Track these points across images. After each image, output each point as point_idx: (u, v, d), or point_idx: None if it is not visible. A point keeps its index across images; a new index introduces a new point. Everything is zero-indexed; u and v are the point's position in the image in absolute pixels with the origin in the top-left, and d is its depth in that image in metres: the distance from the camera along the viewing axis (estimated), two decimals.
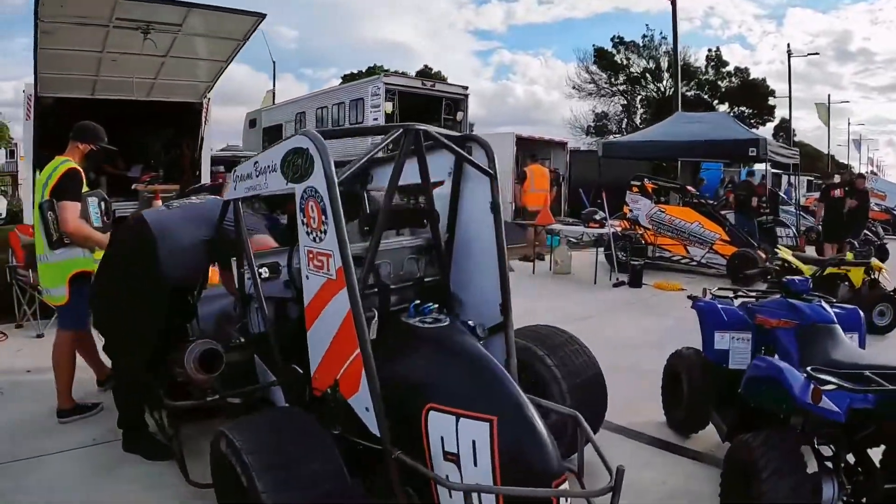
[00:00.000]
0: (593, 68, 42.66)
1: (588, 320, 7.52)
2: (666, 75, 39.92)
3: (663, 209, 11.09)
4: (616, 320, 7.69)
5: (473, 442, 2.21)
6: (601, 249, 10.60)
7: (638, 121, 41.10)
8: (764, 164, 12.51)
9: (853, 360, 2.91)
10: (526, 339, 3.41)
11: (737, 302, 4.09)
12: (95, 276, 3.96)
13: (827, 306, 3.53)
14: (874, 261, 7.54)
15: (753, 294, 4.22)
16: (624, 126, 42.03)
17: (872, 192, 25.22)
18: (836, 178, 13.25)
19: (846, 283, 7.52)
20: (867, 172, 29.69)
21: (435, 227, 3.07)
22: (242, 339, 3.49)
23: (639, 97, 42.79)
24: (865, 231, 14.24)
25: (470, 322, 2.96)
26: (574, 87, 43.64)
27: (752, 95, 41.65)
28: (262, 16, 7.16)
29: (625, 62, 41.99)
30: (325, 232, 2.48)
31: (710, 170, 21.69)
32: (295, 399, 2.95)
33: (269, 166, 2.83)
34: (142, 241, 3.42)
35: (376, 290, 2.91)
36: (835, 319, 3.38)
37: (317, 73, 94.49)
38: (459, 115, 17.13)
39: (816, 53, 51.49)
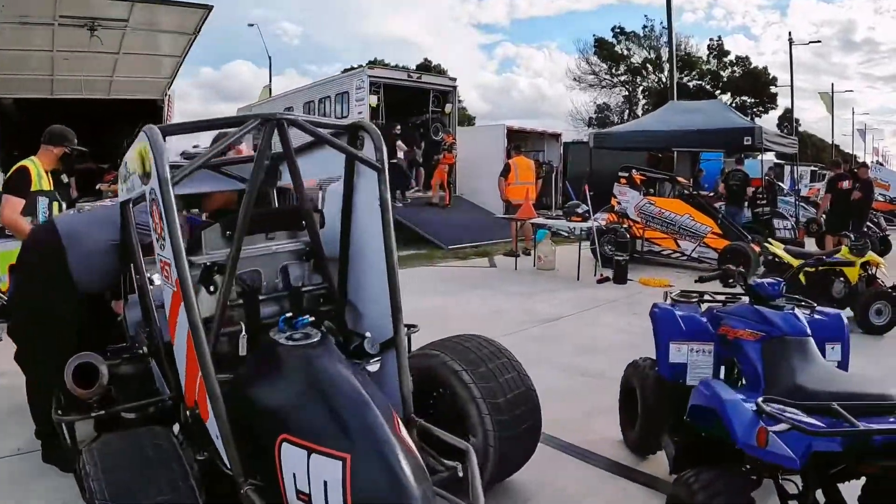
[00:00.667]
0: (594, 59, 42.05)
1: (562, 321, 7.04)
2: (667, 65, 39.19)
3: (652, 201, 10.55)
4: (594, 319, 7.19)
5: (325, 483, 1.90)
6: (589, 244, 10.09)
7: (640, 111, 40.43)
8: (760, 153, 11.95)
9: (824, 385, 2.40)
10: (445, 353, 3.01)
11: (705, 307, 3.55)
12: (10, 282, 4.03)
13: (801, 314, 3.01)
14: (871, 255, 6.98)
15: (723, 297, 3.66)
16: (626, 117, 41.37)
17: (876, 181, 24.71)
18: (842, 168, 12.61)
19: (841, 279, 6.98)
20: (872, 162, 28.87)
21: (312, 228, 2.70)
22: (145, 349, 3.13)
23: (640, 88, 42.16)
24: (868, 223, 13.71)
25: (367, 335, 2.62)
26: (575, 79, 43.08)
27: (754, 84, 40.92)
28: (209, 7, 7.12)
29: (625, 52, 41.30)
30: (166, 239, 2.22)
31: (710, 160, 21.10)
32: (178, 417, 2.67)
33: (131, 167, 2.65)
34: (50, 246, 3.31)
35: (241, 301, 2.53)
36: (807, 331, 2.85)
37: (321, 68, 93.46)
38: (448, 107, 16.69)
39: (818, 41, 50.35)
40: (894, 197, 24.03)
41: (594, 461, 3.63)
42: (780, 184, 17.10)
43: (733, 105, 41.78)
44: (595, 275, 9.39)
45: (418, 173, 16.80)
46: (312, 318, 2.43)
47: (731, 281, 3.44)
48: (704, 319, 3.29)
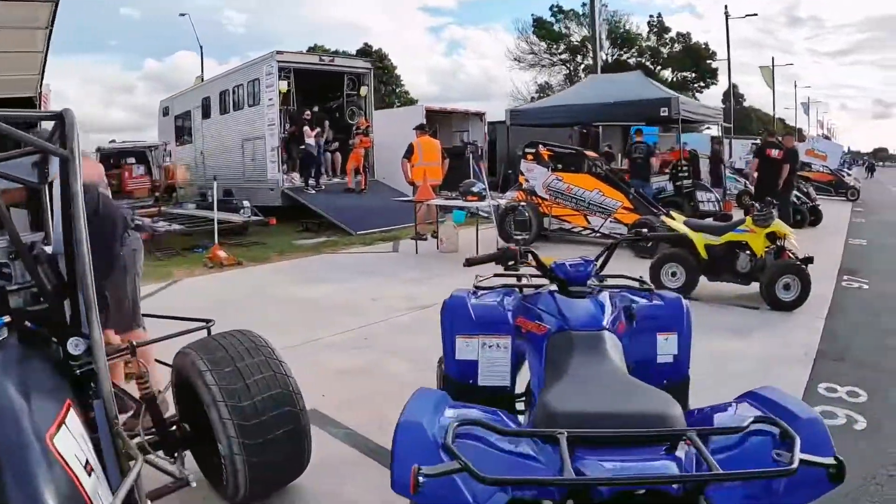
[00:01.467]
0: (533, 38, 41.27)
1: (437, 308, 6.14)
2: (607, 43, 38.75)
3: (560, 177, 9.74)
4: None
5: None
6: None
7: None
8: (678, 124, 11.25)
9: (581, 399, 1.59)
10: (196, 352, 2.71)
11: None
12: None
13: (608, 301, 2.16)
14: (778, 225, 6.23)
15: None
16: None
17: (814, 152, 24.56)
18: (774, 138, 12.02)
19: (747, 252, 6.24)
20: (817, 134, 28.55)
21: (8, 224, 2.20)
22: None
23: (581, 66, 41.55)
24: (796, 193, 13.18)
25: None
26: (515, 59, 42.32)
27: (694, 60, 40.73)
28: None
29: (564, 31, 40.66)
30: None
31: (651, 135, 20.55)
32: None
33: None
34: None
35: None
36: (601, 323, 2.00)
37: None
38: (364, 90, 15.83)
39: (755, 14, 50.38)
40: (834, 168, 23.85)
41: None
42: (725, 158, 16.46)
43: (674, 81, 41.64)
44: None
45: (334, 159, 15.78)
46: (8, 319, 2.13)
47: (511, 263, 2.54)
48: (505, 309, 2.43)
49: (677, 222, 6.58)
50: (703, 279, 6.40)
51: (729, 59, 29.48)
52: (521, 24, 55.07)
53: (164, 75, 72.89)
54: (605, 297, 2.19)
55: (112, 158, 14.95)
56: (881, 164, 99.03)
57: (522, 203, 9.32)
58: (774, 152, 10.33)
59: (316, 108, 15.56)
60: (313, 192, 14.23)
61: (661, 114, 10.56)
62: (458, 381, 2.42)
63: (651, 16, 43.11)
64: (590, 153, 10.38)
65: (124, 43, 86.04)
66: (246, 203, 12.90)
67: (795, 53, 73.06)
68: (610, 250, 2.59)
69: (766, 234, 6.14)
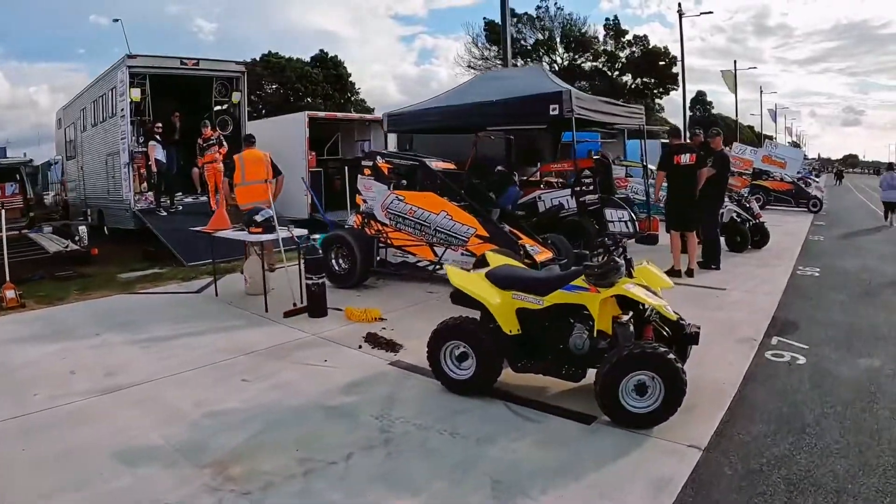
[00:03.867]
0: (484, 43, 38.99)
1: (135, 389, 4.19)
2: (561, 47, 36.65)
3: (402, 196, 7.22)
4: (187, 387, 4.25)
5: None
6: None
7: None
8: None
9: None
10: None
11: None
12: None
13: None
14: (629, 283, 3.72)
15: None
16: None
17: (771, 159, 22.13)
18: (681, 139, 9.43)
19: (589, 324, 3.75)
20: (788, 141, 25.89)
21: None
22: None
23: None
24: (735, 209, 10.75)
25: None
26: (469, 66, 40.04)
27: (654, 65, 38.68)
28: None
29: (517, 35, 38.41)
30: None
31: (584, 142, 18.06)
32: None
33: None
34: None
35: None
36: None
37: None
38: (236, 97, 13.41)
39: (710, 12, 48.88)
40: (795, 176, 21.50)
41: None
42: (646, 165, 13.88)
43: (633, 87, 39.56)
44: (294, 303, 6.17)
45: (193, 175, 13.20)
46: None
47: None
48: None
49: (476, 276, 4.03)
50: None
51: (682, 61, 27.30)
52: (473, 28, 52.74)
53: None
54: None
55: None
56: (850, 170, 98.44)
57: (378, 230, 6.86)
58: (685, 158, 7.90)
59: (177, 117, 13.07)
60: (164, 214, 11.77)
61: (552, 112, 8.13)
62: None
63: (607, 19, 41.17)
64: (442, 164, 7.79)
65: (94, 50, 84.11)
66: (82, 229, 10.91)
67: (765, 62, 72.80)
68: None
69: (613, 296, 3.65)
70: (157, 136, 11.95)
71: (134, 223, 11.80)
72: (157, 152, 11.89)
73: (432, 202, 6.95)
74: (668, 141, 9.85)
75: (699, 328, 3.87)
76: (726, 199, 9.64)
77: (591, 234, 8.77)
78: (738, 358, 4.70)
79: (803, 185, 21.07)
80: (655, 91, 39.15)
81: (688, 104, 30.76)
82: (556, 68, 37.65)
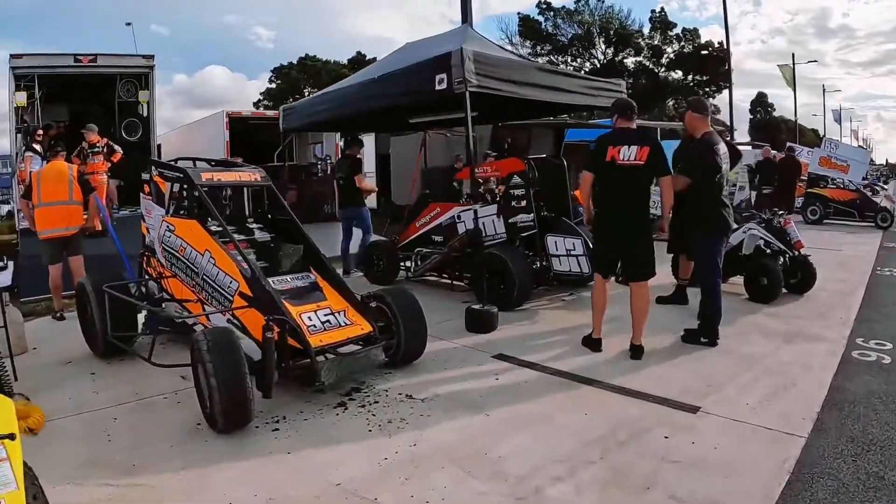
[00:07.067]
0: (517, 39, 36.26)
1: None
2: (598, 41, 33.59)
3: (173, 225, 4.72)
4: None
5: None
6: None
7: None
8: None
9: None
10: None
11: None
12: None
13: None
14: None
15: None
16: None
17: (830, 161, 18.25)
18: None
19: None
20: (831, 141, 21.43)
21: None
22: None
23: (570, 67, 36.36)
24: (762, 235, 7.45)
25: None
26: None
27: (706, 61, 35.07)
28: None
29: (551, 31, 35.57)
30: None
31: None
32: None
33: None
34: None
35: None
36: None
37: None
38: (143, 96, 11.60)
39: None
40: (860, 183, 17.69)
41: None
42: None
43: (682, 84, 36.03)
44: None
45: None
46: None
47: None
48: None
49: None
50: None
51: (728, 55, 24.05)
52: (506, 26, 49.81)
53: (192, 90, 77.77)
54: None
55: None
56: None
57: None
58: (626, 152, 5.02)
59: (64, 123, 11.18)
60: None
61: (438, 86, 5.48)
62: None
63: (653, 11, 37.76)
64: (251, 176, 5.19)
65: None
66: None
67: (827, 65, 67.97)
68: None
69: None
70: (36, 147, 9.92)
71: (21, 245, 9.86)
72: (35, 164, 9.84)
73: (197, 236, 4.41)
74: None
75: None
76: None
77: (519, 276, 6.10)
78: None
79: (870, 194, 17.42)
80: (707, 89, 35.46)
81: (733, 97, 27.25)
82: (597, 65, 34.63)
